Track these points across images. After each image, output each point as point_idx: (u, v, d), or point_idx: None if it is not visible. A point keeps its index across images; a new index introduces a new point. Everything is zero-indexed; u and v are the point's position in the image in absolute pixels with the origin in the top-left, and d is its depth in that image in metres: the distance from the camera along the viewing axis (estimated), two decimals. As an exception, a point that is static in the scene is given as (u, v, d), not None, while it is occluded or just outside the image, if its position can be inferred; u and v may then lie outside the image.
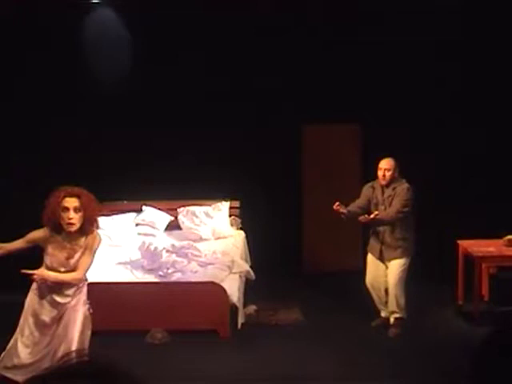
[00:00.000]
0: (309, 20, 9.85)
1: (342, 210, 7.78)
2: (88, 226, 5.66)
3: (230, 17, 9.76)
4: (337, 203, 7.77)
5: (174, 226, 10.15)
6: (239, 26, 9.86)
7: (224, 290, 7.92)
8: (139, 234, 9.82)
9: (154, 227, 9.97)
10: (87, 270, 5.74)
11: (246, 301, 8.65)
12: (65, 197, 5.60)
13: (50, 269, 5.66)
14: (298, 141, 10.49)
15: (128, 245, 9.39)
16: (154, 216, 10.11)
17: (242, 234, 10.06)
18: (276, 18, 9.86)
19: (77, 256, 5.66)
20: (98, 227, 5.82)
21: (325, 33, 9.91)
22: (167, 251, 8.80)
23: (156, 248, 8.75)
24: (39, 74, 9.79)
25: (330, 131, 10.47)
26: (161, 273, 8.42)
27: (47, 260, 5.67)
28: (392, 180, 7.89)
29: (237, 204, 10.33)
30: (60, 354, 5.65)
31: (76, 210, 5.58)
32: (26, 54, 9.79)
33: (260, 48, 9.98)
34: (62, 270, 5.66)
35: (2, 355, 5.82)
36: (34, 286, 5.77)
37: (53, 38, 9.72)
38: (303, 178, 10.61)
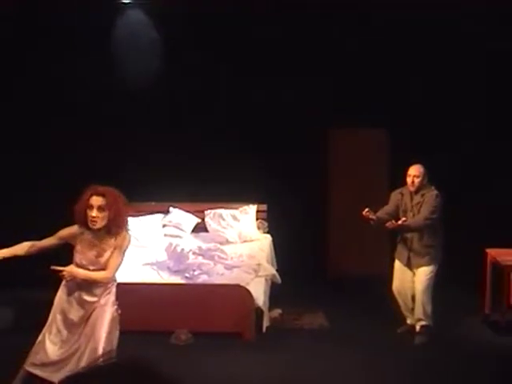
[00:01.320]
0: (339, 23, 9.83)
1: (371, 216, 7.76)
2: (114, 226, 5.69)
3: (261, 17, 9.76)
4: (366, 209, 7.76)
5: (200, 228, 10.18)
6: (269, 27, 9.85)
7: (249, 293, 7.92)
8: (166, 235, 9.85)
9: (180, 229, 10.00)
10: (116, 269, 5.77)
11: (271, 304, 8.63)
12: (92, 195, 5.66)
13: (79, 267, 5.70)
14: (325, 145, 10.48)
15: (155, 246, 9.43)
16: (181, 218, 10.14)
17: (268, 237, 10.06)
18: (306, 21, 9.85)
19: (106, 255, 5.69)
20: (127, 227, 5.84)
21: (354, 37, 9.88)
22: (194, 253, 8.83)
23: (183, 250, 8.78)
24: (69, 74, 9.84)
25: (357, 136, 10.45)
26: (187, 274, 8.44)
27: (77, 258, 5.71)
28: (421, 187, 7.86)
29: (264, 207, 10.33)
30: (87, 353, 5.68)
31: (100, 208, 5.63)
32: (61, 53, 9.84)
33: (289, 50, 9.97)
34: (91, 268, 5.69)
35: (30, 352, 5.85)
36: (63, 283, 5.81)
37: (84, 38, 9.77)
38: (330, 182, 10.59)
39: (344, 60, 10.04)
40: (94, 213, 5.61)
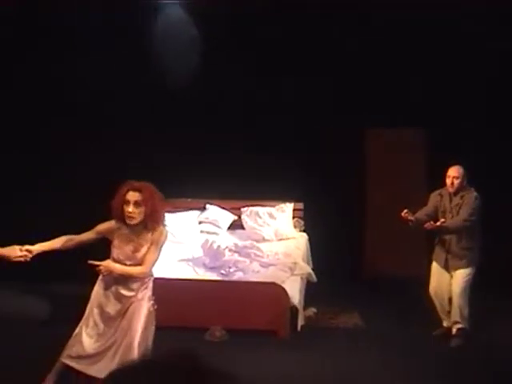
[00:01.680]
0: (373, 22, 9.76)
1: (410, 217, 7.72)
2: (151, 221, 5.71)
3: (300, 14, 9.73)
4: (405, 210, 7.73)
5: (236, 226, 10.19)
6: (309, 25, 9.83)
7: (285, 292, 7.92)
8: (202, 231, 9.88)
9: (217, 226, 10.02)
10: (153, 265, 5.80)
11: (306, 303, 8.61)
12: (128, 191, 5.69)
13: (116, 261, 5.73)
14: (362, 145, 10.43)
15: (191, 242, 9.45)
16: (217, 214, 10.17)
17: (304, 236, 10.04)
18: (343, 20, 9.81)
19: (143, 250, 5.72)
20: (164, 223, 5.86)
21: (390, 35, 9.81)
22: (230, 250, 8.84)
23: (219, 246, 8.80)
24: (107, 72, 9.91)
25: (395, 135, 10.37)
26: (223, 271, 8.46)
27: (114, 253, 5.75)
28: (460, 188, 7.79)
29: (300, 206, 10.31)
30: (123, 347, 5.71)
31: (136, 204, 5.65)
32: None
33: (327, 50, 9.94)
34: (128, 263, 5.72)
35: (67, 345, 5.90)
36: (101, 277, 5.85)
37: (121, 35, 9.84)
38: (367, 182, 10.54)
39: (383, 58, 9.97)
40: (131, 208, 5.63)
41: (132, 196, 5.66)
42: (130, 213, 5.63)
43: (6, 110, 10.05)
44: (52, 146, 10.02)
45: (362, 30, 9.85)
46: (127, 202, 5.65)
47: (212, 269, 8.59)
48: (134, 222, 5.66)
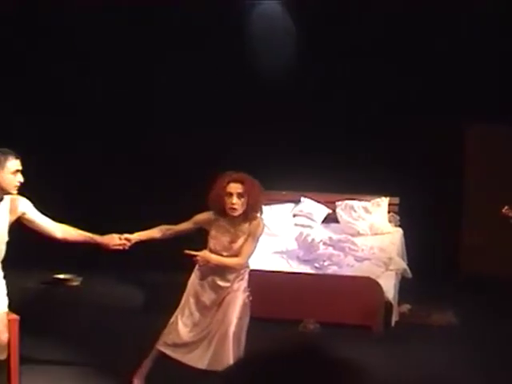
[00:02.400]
0: (474, 15, 9.56)
1: (511, 214, 7.57)
2: (251, 212, 5.77)
3: (400, 14, 9.62)
4: (506, 207, 7.58)
5: (331, 219, 10.15)
6: (405, 21, 9.71)
7: (380, 287, 7.86)
8: (296, 224, 9.89)
9: (311, 219, 10.01)
10: (249, 256, 5.85)
11: (400, 299, 8.53)
12: (229, 182, 5.73)
13: (213, 252, 5.80)
14: (461, 141, 10.23)
15: (285, 235, 9.48)
16: (311, 208, 10.16)
17: (399, 231, 9.93)
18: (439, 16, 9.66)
19: (240, 241, 5.77)
20: (261, 214, 5.90)
21: (491, 28, 9.58)
22: (324, 243, 8.82)
23: (313, 240, 8.79)
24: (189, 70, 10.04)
25: (498, 133, 10.12)
26: (316, 264, 8.46)
27: (211, 243, 5.82)
28: None
29: (396, 201, 10.20)
30: (217, 337, 5.79)
31: (239, 195, 5.70)
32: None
33: (425, 44, 9.79)
34: (225, 253, 5.78)
35: (163, 332, 6.02)
36: (197, 267, 5.93)
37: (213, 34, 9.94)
38: (465, 179, 10.33)
39: (486, 50, 9.74)
40: (234, 200, 5.68)
41: (234, 188, 5.70)
42: (233, 204, 5.68)
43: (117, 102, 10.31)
44: (154, 138, 10.22)
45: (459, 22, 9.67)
46: (229, 194, 5.69)
47: (306, 262, 8.60)
48: (236, 213, 5.70)
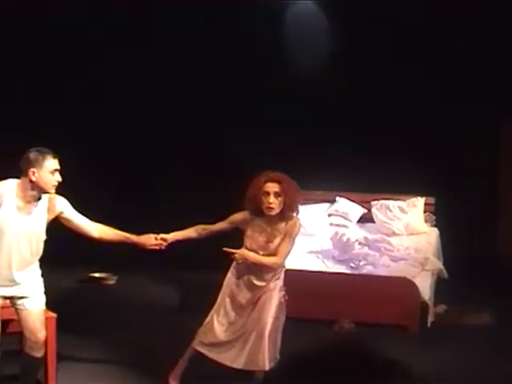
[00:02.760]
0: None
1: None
2: (288, 212, 5.75)
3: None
4: None
5: (366, 219, 10.12)
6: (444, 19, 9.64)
7: (416, 287, 7.81)
8: (331, 224, 9.86)
9: (346, 218, 9.98)
10: (287, 256, 5.83)
11: (436, 299, 8.47)
12: (266, 182, 5.72)
13: (249, 251, 5.79)
14: (496, 141, 10.14)
15: (320, 234, 9.46)
16: (347, 207, 10.13)
17: (435, 231, 9.86)
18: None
19: (276, 241, 5.75)
20: (298, 214, 5.88)
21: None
22: (359, 243, 8.79)
23: (348, 239, 8.76)
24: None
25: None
26: (352, 264, 8.43)
27: (247, 242, 5.81)
28: None
29: (432, 201, 10.13)
30: (253, 336, 5.78)
31: (276, 195, 5.68)
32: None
33: (463, 43, 9.72)
34: (261, 253, 5.77)
35: (198, 332, 6.03)
36: (233, 266, 5.93)
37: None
38: (501, 179, 10.25)
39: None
40: (271, 199, 5.67)
41: (271, 187, 5.69)
42: (270, 203, 5.66)
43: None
44: (189, 140, 10.26)
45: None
46: (266, 194, 5.68)
47: (341, 262, 8.57)
48: (273, 212, 5.69)
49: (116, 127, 10.46)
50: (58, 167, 5.25)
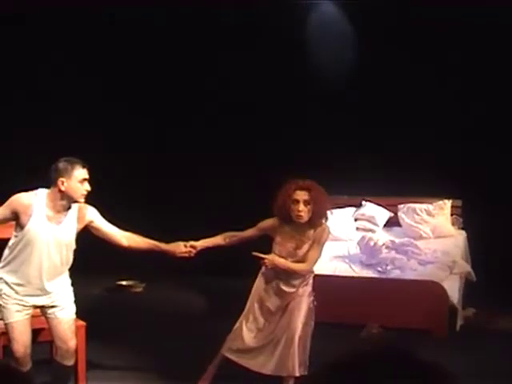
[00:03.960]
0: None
1: None
2: (317, 219, 5.76)
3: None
4: None
5: (392, 223, 10.05)
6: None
7: (444, 290, 7.77)
8: (358, 228, 9.83)
9: (373, 223, 9.93)
10: (315, 262, 5.84)
11: (465, 303, 8.41)
12: (295, 190, 5.72)
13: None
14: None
15: (347, 239, 9.43)
16: (373, 211, 10.08)
17: (463, 233, 9.79)
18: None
19: (305, 247, 5.76)
20: (326, 220, 5.88)
21: None
22: (387, 247, 8.76)
23: (376, 243, 8.73)
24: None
25: None
26: (379, 269, 8.40)
27: (276, 249, 5.82)
28: None
29: (459, 203, 10.07)
30: (283, 342, 5.78)
31: (306, 202, 5.69)
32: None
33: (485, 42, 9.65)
34: (290, 259, 5.78)
35: (227, 338, 6.04)
36: (262, 272, 5.94)
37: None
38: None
39: None
40: (301, 207, 5.68)
41: (301, 195, 5.69)
42: (299, 211, 5.67)
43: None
44: (218, 144, 10.29)
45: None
46: (295, 201, 5.69)
47: (369, 266, 8.54)
48: (302, 220, 5.70)
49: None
50: (87, 176, 5.28)
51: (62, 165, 5.22)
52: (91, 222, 5.42)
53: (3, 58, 9.95)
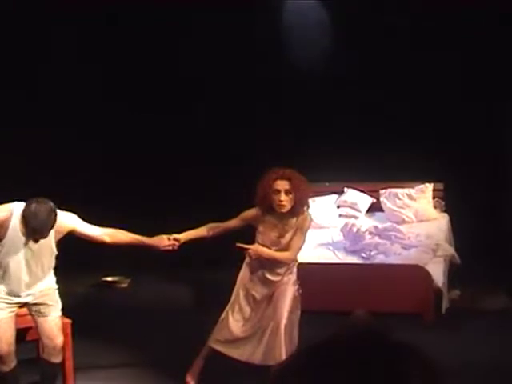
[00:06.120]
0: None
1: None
2: (299, 208, 5.76)
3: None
4: None
5: (375, 208, 10.08)
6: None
7: (428, 274, 7.80)
8: (341, 215, 9.84)
9: (355, 209, 9.95)
10: (299, 250, 5.85)
11: (450, 285, 8.45)
12: (276, 179, 5.72)
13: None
14: (506, 126, 10.05)
15: (330, 226, 9.44)
16: (355, 198, 10.10)
17: (446, 216, 9.82)
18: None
19: (288, 236, 5.77)
20: (308, 208, 5.89)
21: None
22: (370, 233, 8.77)
23: (359, 230, 8.75)
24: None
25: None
26: (363, 254, 8.42)
27: (259, 238, 5.83)
28: None
29: (440, 186, 10.09)
30: (269, 331, 5.79)
31: (287, 192, 5.69)
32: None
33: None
34: (273, 248, 5.80)
35: (214, 329, 6.04)
36: (246, 262, 5.94)
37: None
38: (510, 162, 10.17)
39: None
40: (282, 197, 5.68)
41: (281, 185, 5.69)
42: (281, 201, 5.67)
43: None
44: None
45: None
46: (276, 191, 5.69)
47: (353, 252, 8.56)
48: (284, 209, 5.70)
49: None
50: None
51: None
52: (73, 230, 5.42)
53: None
